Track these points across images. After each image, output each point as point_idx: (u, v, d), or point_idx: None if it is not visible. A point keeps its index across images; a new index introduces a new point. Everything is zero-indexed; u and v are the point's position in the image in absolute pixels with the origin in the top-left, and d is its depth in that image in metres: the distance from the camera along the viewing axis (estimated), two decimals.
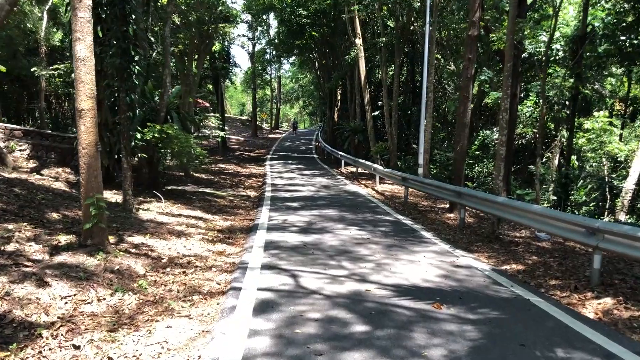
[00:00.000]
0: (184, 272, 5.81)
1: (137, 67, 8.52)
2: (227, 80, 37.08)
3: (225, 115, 62.27)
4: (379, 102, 26.61)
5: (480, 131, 19.57)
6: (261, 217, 9.98)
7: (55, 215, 7.24)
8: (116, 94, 8.78)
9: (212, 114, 25.53)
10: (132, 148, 8.93)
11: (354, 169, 22.12)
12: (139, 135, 9.67)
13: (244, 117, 59.19)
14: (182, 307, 4.74)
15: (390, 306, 4.77)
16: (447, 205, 12.38)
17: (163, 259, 6.20)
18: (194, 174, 17.58)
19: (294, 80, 63.92)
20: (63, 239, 5.91)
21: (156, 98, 12.19)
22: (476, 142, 18.89)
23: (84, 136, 5.53)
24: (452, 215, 11.33)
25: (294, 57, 49.47)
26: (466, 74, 10.97)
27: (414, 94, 28.71)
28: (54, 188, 9.41)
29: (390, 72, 25.83)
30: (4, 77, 21.51)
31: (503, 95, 8.18)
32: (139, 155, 10.39)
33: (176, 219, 9.10)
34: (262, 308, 4.59)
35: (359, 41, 20.91)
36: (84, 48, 5.36)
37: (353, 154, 25.10)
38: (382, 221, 9.89)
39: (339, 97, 34.30)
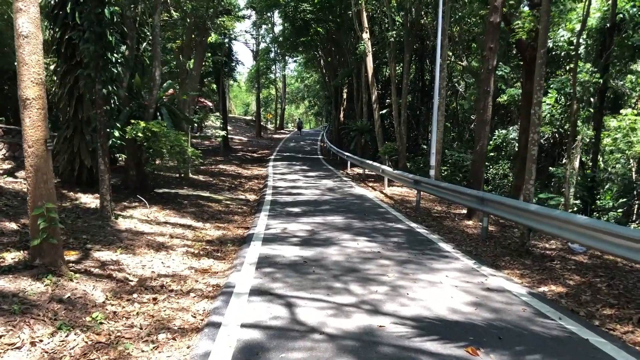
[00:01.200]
0: (154, 300, 4.72)
1: (115, 55, 7.47)
2: (231, 79, 36.06)
3: (230, 115, 61.41)
4: (387, 101, 25.49)
5: (496, 130, 18.38)
6: (258, 225, 8.90)
7: (13, 225, 6.19)
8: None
9: (212, 113, 24.51)
10: (110, 147, 7.86)
11: (360, 171, 21.00)
12: (117, 133, 8.61)
13: (249, 117, 58.19)
14: (142, 351, 3.65)
15: (412, 352, 3.66)
16: (465, 211, 11.23)
17: (131, 281, 5.12)
18: (192, 176, 16.54)
19: (299, 80, 62.89)
20: (10, 256, 4.86)
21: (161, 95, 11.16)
22: (491, 142, 17.71)
23: (29, 132, 4.46)
24: (470, 222, 10.20)
25: (299, 57, 48.56)
26: (487, 65, 9.84)
27: (422, 93, 27.57)
28: (25, 192, 8.38)
29: (398, 70, 24.71)
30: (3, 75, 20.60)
31: (536, 86, 7.05)
32: (123, 155, 9.38)
33: (160, 228, 8.03)
34: (244, 356, 3.50)
35: (366, 36, 19.81)
36: (27, 22, 4.30)
37: (359, 154, 23.98)
38: (393, 230, 8.78)
39: (344, 96, 33.18)
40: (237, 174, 19.87)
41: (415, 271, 5.98)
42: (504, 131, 17.64)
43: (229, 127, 48.51)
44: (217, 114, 24.76)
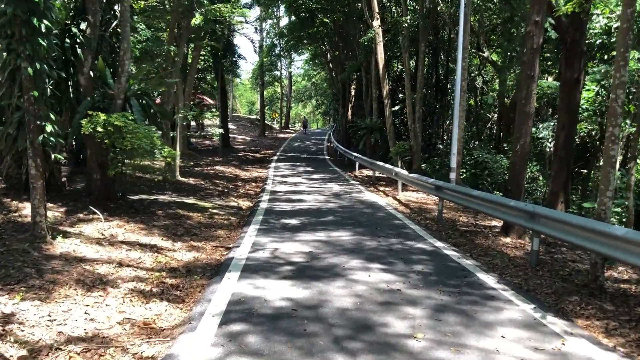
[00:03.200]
0: None
1: (46, 22, 5.61)
2: (232, 75, 34.24)
3: (235, 114, 59.68)
4: (400, 96, 23.52)
5: None
6: (243, 244, 7.01)
7: None
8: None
9: (211, 110, 22.66)
10: (40, 144, 6.00)
11: (370, 173, 19.07)
12: (50, 128, 6.74)
13: (254, 116, 56.42)
14: None
15: None
16: (499, 224, 9.27)
17: (10, 358, 3.23)
18: (181, 179, 14.70)
19: (306, 77, 60.97)
20: None
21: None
22: None
23: None
24: (508, 240, 8.23)
25: (306, 55, 46.65)
26: (531, 43, 7.86)
27: (437, 89, 25.55)
28: None
29: (411, 64, 22.72)
30: None
31: (617, 59, 5.07)
32: (62, 157, 7.64)
33: (111, 251, 6.17)
34: None
35: (376, 23, 17.84)
36: None
37: (369, 155, 22.02)
38: (415, 252, 6.85)
39: (353, 93, 31.21)
40: (234, 176, 18.01)
41: (456, 328, 4.05)
42: (533, 129, 15.57)
43: (232, 126, 46.80)
44: (214, 110, 22.87)
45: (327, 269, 5.77)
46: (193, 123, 31.69)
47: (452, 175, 12.04)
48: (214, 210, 10.42)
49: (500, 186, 15.49)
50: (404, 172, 12.91)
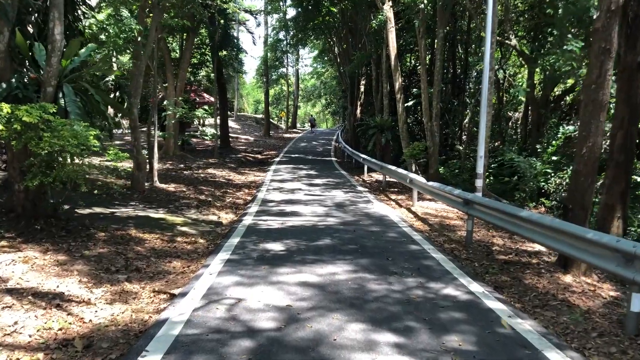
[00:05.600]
0: None
1: None
2: (234, 71, 32.16)
3: (240, 113, 57.54)
4: (414, 91, 21.23)
5: (559, 127, 13.99)
6: (191, 292, 4.85)
7: None
8: None
9: (203, 107, 20.55)
10: None
11: (380, 177, 16.85)
12: None
13: (260, 116, 54.33)
14: None
15: None
16: (551, 254, 7.01)
17: None
18: (158, 185, 12.61)
19: (315, 76, 58.74)
20: None
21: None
22: (554, 142, 13.35)
23: None
24: (569, 279, 5.96)
25: (314, 52, 44.44)
26: (607, 4, 5.59)
27: (453, 84, 23.19)
28: None
29: (426, 55, 20.37)
30: None
31: None
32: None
33: None
34: None
35: (387, 5, 15.60)
36: None
37: (379, 156, 19.78)
38: (444, 305, 4.62)
39: (362, 89, 28.92)
40: (225, 180, 15.89)
41: None
42: (570, 127, 13.23)
43: (236, 125, 44.75)
44: (207, 107, 20.74)
45: (306, 349, 3.58)
46: (196, 122, 29.77)
47: (479, 183, 9.77)
48: (183, 228, 8.27)
49: (533, 196, 13.13)
50: (421, 179, 10.66)
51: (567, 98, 18.21)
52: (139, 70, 10.20)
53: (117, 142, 25.94)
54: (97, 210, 8.77)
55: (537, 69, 16.83)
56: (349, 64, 26.76)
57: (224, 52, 25.24)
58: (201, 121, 30.45)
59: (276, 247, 6.92)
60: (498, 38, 16.32)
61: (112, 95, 12.73)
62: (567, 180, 13.23)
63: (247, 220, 9.11)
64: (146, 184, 12.50)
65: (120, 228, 7.55)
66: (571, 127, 13.23)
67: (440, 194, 9.00)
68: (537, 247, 7.68)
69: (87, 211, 8.51)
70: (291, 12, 34.59)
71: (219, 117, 24.22)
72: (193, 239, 7.58)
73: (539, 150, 14.15)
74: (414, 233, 8.25)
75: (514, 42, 16.19)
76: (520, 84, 25.27)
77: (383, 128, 20.09)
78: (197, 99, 25.45)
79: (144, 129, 21.69)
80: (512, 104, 22.62)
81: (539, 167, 12.78)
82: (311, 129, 48.40)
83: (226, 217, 9.99)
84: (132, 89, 10.37)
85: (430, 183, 9.87)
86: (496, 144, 19.38)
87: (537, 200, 13.07)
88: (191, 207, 10.39)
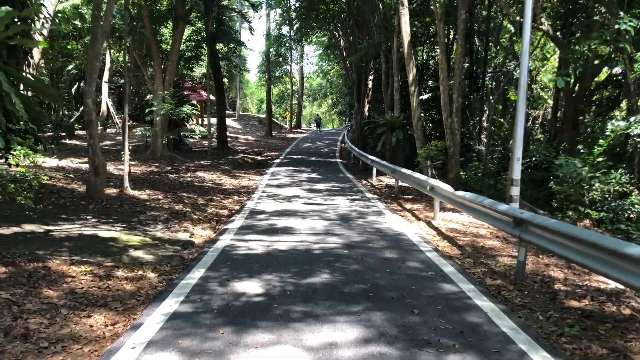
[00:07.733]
0: None
1: None
2: (233, 66, 30.15)
3: (243, 113, 55.55)
4: (429, 83, 19.08)
5: (608, 123, 11.79)
6: None
7: None
8: None
9: (190, 103, 18.53)
10: None
11: (391, 181, 14.76)
12: None
13: (263, 115, 52.34)
14: None
15: None
16: (613, 284, 4.90)
17: None
18: (129, 192, 10.59)
19: (320, 74, 56.65)
20: None
21: None
22: (601, 141, 11.16)
23: None
24: None
25: (320, 50, 42.41)
26: None
27: (470, 79, 21.00)
28: None
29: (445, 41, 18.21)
30: None
31: None
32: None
33: None
34: None
35: None
36: None
37: (389, 158, 17.66)
38: None
39: (369, 85, 26.80)
40: (214, 185, 13.86)
41: None
42: (622, 123, 11.04)
43: (237, 125, 42.75)
44: (194, 102, 18.76)
45: None
46: (193, 121, 27.85)
47: (515, 191, 7.67)
48: (136, 253, 6.24)
49: (575, 206, 10.93)
50: (447, 187, 8.50)
51: (605, 91, 15.99)
52: (95, 51, 8.19)
53: (107, 142, 24.08)
54: (28, 228, 6.76)
55: (572, 56, 14.66)
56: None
57: (221, 45, 23.28)
58: (198, 120, 28.48)
59: (252, 287, 4.86)
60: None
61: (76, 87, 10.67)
62: (616, 185, 11.11)
63: (224, 240, 7.06)
64: (113, 190, 10.51)
65: (43, 256, 5.52)
66: (622, 123, 11.03)
67: (477, 208, 6.88)
68: (613, 284, 5.56)
69: (12, 230, 6.50)
70: (294, 3, 32.57)
71: (214, 114, 22.25)
72: (141, 272, 5.52)
73: (581, 150, 11.97)
74: (442, 262, 6.16)
75: (546, 26, 14.01)
76: (542, 78, 23.06)
77: (394, 126, 17.95)
78: (192, 94, 23.43)
79: (140, 128, 19.91)
80: (536, 101, 20.44)
81: (585, 171, 10.61)
82: (317, 128, 46.33)
83: (201, 233, 7.95)
84: (87, 74, 8.35)
85: (460, 193, 7.73)
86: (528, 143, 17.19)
87: (577, 210, 10.90)
88: (159, 221, 8.34)
